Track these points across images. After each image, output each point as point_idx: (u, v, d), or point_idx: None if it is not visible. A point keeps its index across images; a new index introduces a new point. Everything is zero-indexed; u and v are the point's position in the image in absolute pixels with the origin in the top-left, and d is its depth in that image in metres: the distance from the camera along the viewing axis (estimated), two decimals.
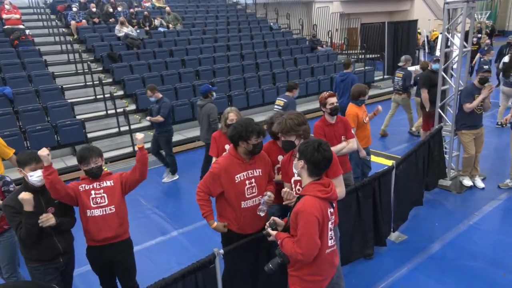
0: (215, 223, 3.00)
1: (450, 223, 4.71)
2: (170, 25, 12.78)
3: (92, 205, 2.91)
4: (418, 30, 17.62)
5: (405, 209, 4.58)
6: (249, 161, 2.93)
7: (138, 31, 11.58)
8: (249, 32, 13.86)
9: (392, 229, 4.39)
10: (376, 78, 13.21)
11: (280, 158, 3.24)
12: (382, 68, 14.26)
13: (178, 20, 13.11)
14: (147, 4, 14.59)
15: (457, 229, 4.57)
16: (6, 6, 10.88)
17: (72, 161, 7.19)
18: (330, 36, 15.88)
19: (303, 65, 12.23)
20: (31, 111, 7.52)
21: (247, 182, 2.90)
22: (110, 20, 12.14)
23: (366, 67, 13.55)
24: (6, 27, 10.46)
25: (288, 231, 2.45)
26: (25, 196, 2.68)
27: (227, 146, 3.81)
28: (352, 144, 4.02)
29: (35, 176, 2.78)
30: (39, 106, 7.71)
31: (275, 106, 6.21)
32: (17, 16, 11.00)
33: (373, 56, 15.55)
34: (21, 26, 10.76)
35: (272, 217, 2.53)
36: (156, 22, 12.54)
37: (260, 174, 2.97)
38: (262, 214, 2.95)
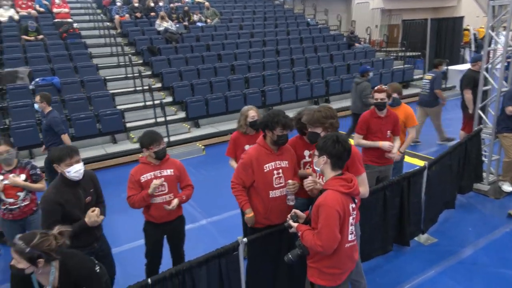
0: (252, 214, 3.05)
1: (484, 229, 4.52)
2: (208, 20, 13.03)
3: (154, 193, 3.11)
4: (467, 27, 16.73)
5: (436, 211, 4.46)
6: (276, 152, 3.00)
7: (177, 25, 11.91)
8: (285, 27, 13.83)
9: (421, 231, 4.29)
10: (415, 77, 12.79)
11: (306, 153, 3.28)
12: (423, 67, 13.76)
13: (216, 15, 13.34)
14: (187, 0, 14.94)
15: (492, 235, 4.39)
16: (57, 1, 11.58)
17: (112, 149, 7.60)
18: (368, 32, 15.50)
19: (339, 61, 12.06)
20: (76, 100, 7.99)
21: (275, 172, 2.97)
22: (151, 14, 12.57)
23: (405, 65, 13.15)
24: (56, 20, 11.13)
25: (309, 224, 2.50)
26: (95, 214, 2.82)
27: (247, 147, 3.73)
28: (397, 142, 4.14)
29: (72, 172, 2.76)
30: (83, 95, 8.17)
31: (423, 81, 7.19)
32: (66, 10, 11.68)
33: (414, 54, 15.03)
34: (70, 20, 11.40)
35: (294, 210, 2.58)
36: (195, 17, 12.83)
37: (287, 165, 3.03)
38: (291, 203, 3.02)
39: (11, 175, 3.46)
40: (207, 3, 13.71)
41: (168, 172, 3.18)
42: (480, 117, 5.50)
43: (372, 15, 17.25)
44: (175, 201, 3.19)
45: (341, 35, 14.55)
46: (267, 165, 2.96)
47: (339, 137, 2.41)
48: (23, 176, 3.51)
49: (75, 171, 2.76)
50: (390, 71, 12.02)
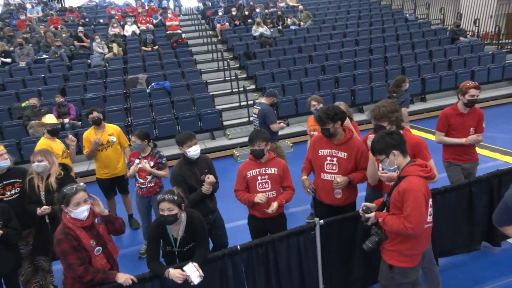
0: (305, 177, 3.61)
1: None
2: (302, 23, 13.43)
3: (258, 189, 3.37)
4: None
5: None
6: (336, 142, 3.30)
7: (271, 30, 12.58)
8: (380, 25, 13.48)
9: None
10: None
11: None
12: None
13: (310, 18, 13.67)
14: (282, 4, 15.58)
15: None
16: (169, 15, 13.23)
17: (210, 144, 8.50)
18: (477, 24, 14.11)
19: (439, 58, 11.33)
20: (182, 102, 9.13)
21: (328, 158, 3.34)
22: (248, 21, 13.49)
23: None
24: (168, 32, 12.74)
25: (384, 211, 2.67)
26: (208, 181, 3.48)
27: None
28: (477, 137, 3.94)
29: (192, 151, 3.46)
30: (188, 97, 9.28)
31: None
32: (177, 22, 13.26)
33: None
34: (179, 31, 12.93)
35: (363, 203, 2.78)
36: (289, 21, 13.36)
37: (345, 157, 3.26)
38: (338, 196, 3.37)
39: (143, 161, 4.27)
40: (301, 6, 14.15)
41: (272, 170, 3.37)
42: None
43: (483, 5, 15.59)
44: (275, 205, 3.31)
45: (444, 29, 13.57)
46: (322, 151, 3.38)
47: (383, 131, 2.65)
48: (151, 163, 4.29)
49: (194, 150, 3.48)
50: (500, 66, 10.87)
